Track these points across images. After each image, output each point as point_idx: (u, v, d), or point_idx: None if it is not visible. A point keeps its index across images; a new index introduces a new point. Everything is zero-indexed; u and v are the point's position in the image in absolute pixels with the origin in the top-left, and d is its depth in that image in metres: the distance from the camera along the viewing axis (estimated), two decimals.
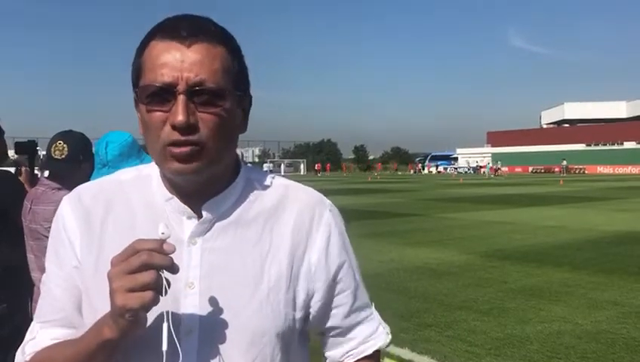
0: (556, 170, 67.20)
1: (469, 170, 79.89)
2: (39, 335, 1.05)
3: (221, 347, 0.99)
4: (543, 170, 71.55)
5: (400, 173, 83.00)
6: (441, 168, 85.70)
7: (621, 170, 69.01)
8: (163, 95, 0.93)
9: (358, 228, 13.33)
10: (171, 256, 0.87)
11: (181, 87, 0.92)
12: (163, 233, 0.87)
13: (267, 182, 1.12)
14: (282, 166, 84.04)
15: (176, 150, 0.94)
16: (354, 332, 1.20)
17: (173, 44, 0.94)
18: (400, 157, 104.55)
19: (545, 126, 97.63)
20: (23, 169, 3.56)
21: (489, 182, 41.19)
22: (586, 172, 69.89)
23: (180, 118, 0.91)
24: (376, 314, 1.27)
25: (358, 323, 1.20)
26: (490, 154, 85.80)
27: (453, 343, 5.02)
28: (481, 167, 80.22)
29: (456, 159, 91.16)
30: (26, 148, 3.90)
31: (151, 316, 0.90)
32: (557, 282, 7.29)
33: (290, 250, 1.07)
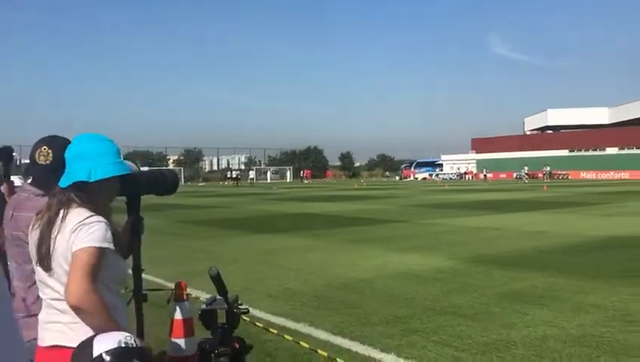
0: (540, 175, 67.70)
1: (453, 176, 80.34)
2: None
3: None
4: (519, 177, 72.02)
5: (385, 179, 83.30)
6: (426, 175, 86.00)
7: (604, 175, 69.69)
8: None
9: (342, 234, 13.32)
10: None
11: None
12: None
13: None
14: (269, 173, 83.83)
15: None
16: None
17: None
18: (386, 163, 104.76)
19: (528, 132, 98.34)
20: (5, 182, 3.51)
21: (474, 188, 41.39)
22: (570, 177, 70.52)
23: None
24: None
25: None
26: (474, 161, 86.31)
27: (439, 348, 5.00)
28: (466, 173, 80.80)
29: (441, 166, 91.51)
30: (1, 155, 3.84)
31: None
32: (542, 286, 7.31)
33: None
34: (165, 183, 2.91)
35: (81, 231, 2.20)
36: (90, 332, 2.13)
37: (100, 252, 2.19)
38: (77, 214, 2.25)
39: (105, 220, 2.27)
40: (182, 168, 77.26)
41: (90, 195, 2.31)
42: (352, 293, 7.04)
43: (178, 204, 25.04)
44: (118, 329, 2.13)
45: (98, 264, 2.18)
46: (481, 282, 7.62)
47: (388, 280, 7.88)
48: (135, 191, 2.75)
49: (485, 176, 69.58)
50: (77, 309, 2.11)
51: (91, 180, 2.27)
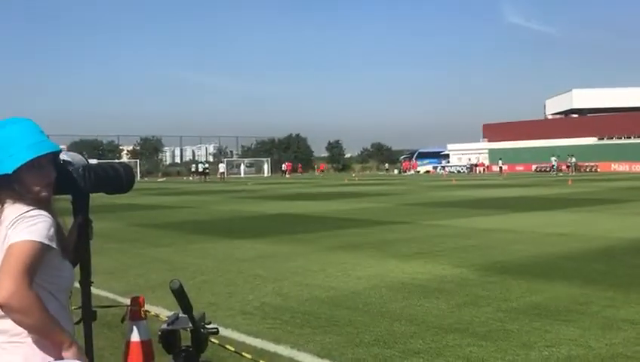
0: (564, 168, 68.25)
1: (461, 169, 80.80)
2: None
3: None
4: (548, 169, 72.64)
5: (382, 173, 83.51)
6: (430, 168, 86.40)
7: (639, 167, 70.31)
8: None
9: (331, 238, 13.33)
10: None
11: None
12: None
13: None
14: (242, 166, 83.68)
15: None
16: None
17: None
18: (382, 154, 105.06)
19: (550, 117, 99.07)
20: None
21: (486, 183, 41.61)
22: (599, 170, 71.17)
23: None
24: None
25: None
26: (486, 151, 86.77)
27: None
28: (477, 165, 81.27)
29: (447, 157, 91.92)
30: None
31: None
32: (566, 299, 7.37)
33: None
34: (118, 179, 2.89)
35: (21, 224, 2.18)
36: (29, 354, 2.12)
37: (42, 248, 2.17)
38: (15, 209, 2.24)
39: (49, 216, 2.26)
40: (138, 161, 77.03)
41: (19, 189, 2.29)
42: (342, 308, 7.04)
43: (133, 204, 24.93)
44: (63, 335, 2.14)
45: (37, 262, 2.16)
46: (494, 294, 7.67)
47: (384, 291, 7.91)
48: (81, 190, 2.73)
49: (500, 168, 70.00)
50: (7, 308, 2.08)
51: (11, 171, 2.25)
